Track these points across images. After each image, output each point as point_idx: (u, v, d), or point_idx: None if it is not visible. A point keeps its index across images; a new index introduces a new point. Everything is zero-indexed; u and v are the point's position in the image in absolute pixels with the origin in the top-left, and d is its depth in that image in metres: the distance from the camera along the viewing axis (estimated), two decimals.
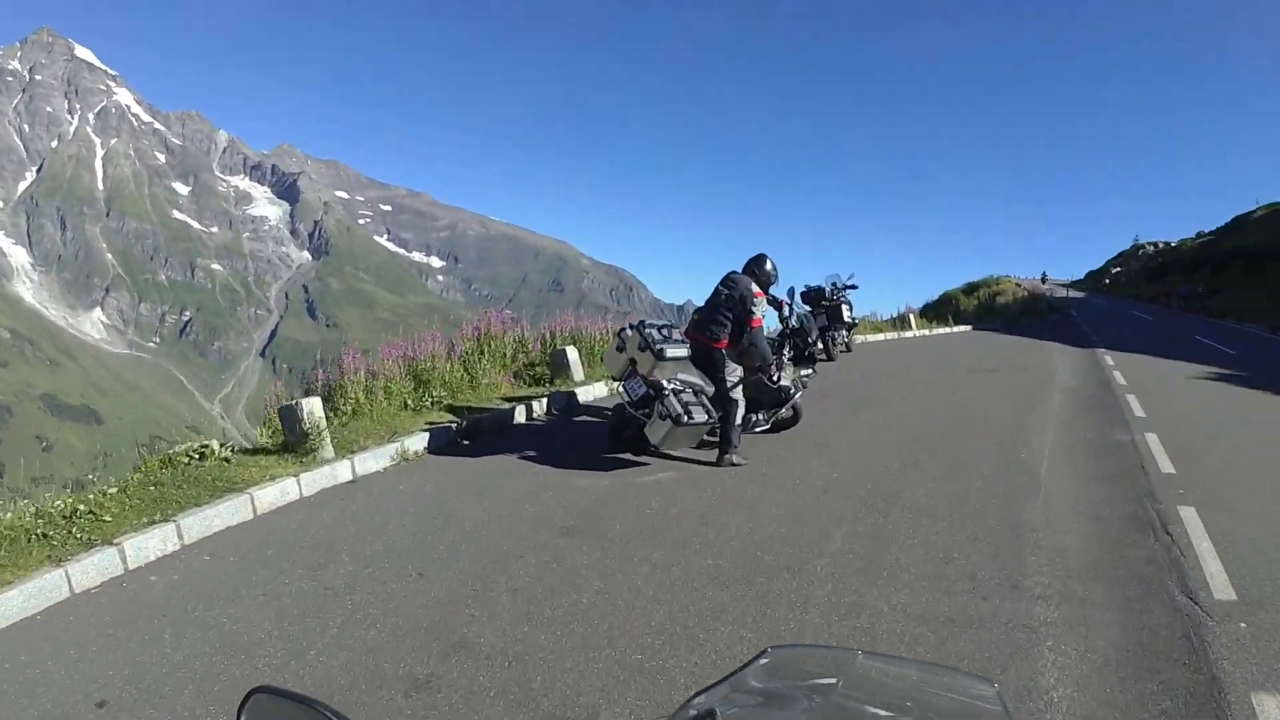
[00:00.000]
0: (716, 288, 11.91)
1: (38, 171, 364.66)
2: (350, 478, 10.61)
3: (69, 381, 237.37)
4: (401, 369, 14.31)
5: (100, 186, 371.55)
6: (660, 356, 11.14)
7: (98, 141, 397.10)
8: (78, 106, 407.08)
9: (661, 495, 9.98)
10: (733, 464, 11.35)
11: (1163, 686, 5.71)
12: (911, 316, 37.58)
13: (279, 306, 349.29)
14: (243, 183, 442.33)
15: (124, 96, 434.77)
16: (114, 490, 8.92)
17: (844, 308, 24.62)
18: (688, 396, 11.15)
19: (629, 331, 11.76)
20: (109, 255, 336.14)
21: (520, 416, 14.03)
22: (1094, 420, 15.52)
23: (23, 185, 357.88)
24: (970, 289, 58.00)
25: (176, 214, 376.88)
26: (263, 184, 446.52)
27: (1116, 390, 19.40)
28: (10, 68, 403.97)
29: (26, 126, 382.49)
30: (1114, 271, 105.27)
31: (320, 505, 9.61)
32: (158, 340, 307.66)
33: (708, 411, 11.13)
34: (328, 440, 10.84)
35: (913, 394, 18.30)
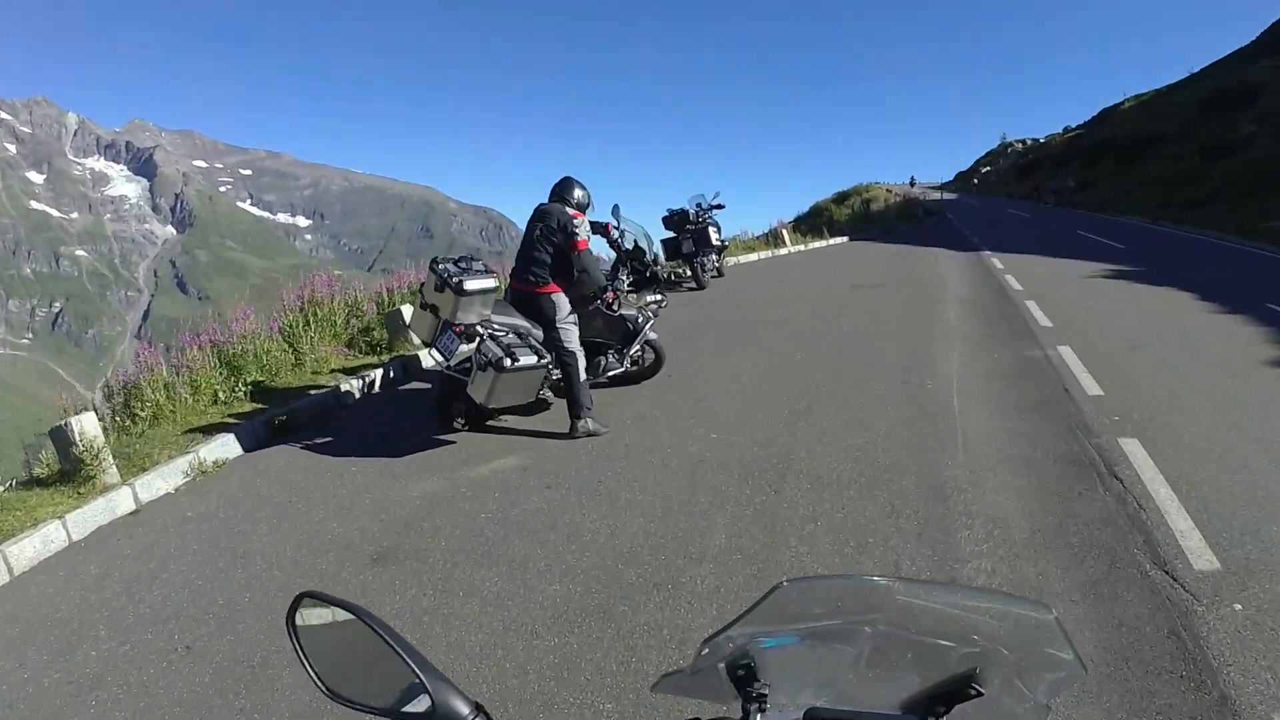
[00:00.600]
0: (527, 226, 10.31)
1: None
2: (132, 507, 8.71)
3: None
4: (209, 357, 12.39)
5: None
6: (460, 291, 9.37)
7: None
8: None
9: (500, 490, 8.16)
10: (588, 432, 9.74)
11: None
12: (784, 232, 35.71)
13: (149, 285, 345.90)
14: (98, 164, 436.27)
15: None
16: None
17: (711, 230, 22.69)
18: (509, 339, 9.48)
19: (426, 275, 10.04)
20: None
21: (349, 394, 12.18)
22: (999, 335, 14.14)
23: None
24: (841, 198, 56.96)
25: (34, 204, 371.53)
26: (118, 162, 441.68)
27: (1014, 297, 18.16)
28: None
29: None
30: (983, 171, 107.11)
31: (90, 552, 7.76)
32: (30, 336, 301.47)
33: (537, 353, 9.43)
34: (109, 462, 9.03)
35: (795, 321, 16.50)
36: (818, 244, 36.02)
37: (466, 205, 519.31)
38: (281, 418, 10.87)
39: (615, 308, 10.76)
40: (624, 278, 12.18)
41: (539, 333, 9.85)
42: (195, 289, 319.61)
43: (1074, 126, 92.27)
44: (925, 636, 1.80)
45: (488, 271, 9.77)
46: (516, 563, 6.47)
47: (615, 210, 14.94)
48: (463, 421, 10.18)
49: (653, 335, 11.51)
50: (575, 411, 9.83)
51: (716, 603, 5.59)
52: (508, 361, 9.03)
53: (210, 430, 10.34)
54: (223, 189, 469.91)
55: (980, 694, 1.77)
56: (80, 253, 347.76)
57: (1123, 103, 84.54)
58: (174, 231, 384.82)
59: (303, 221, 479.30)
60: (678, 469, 8.34)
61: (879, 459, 8.23)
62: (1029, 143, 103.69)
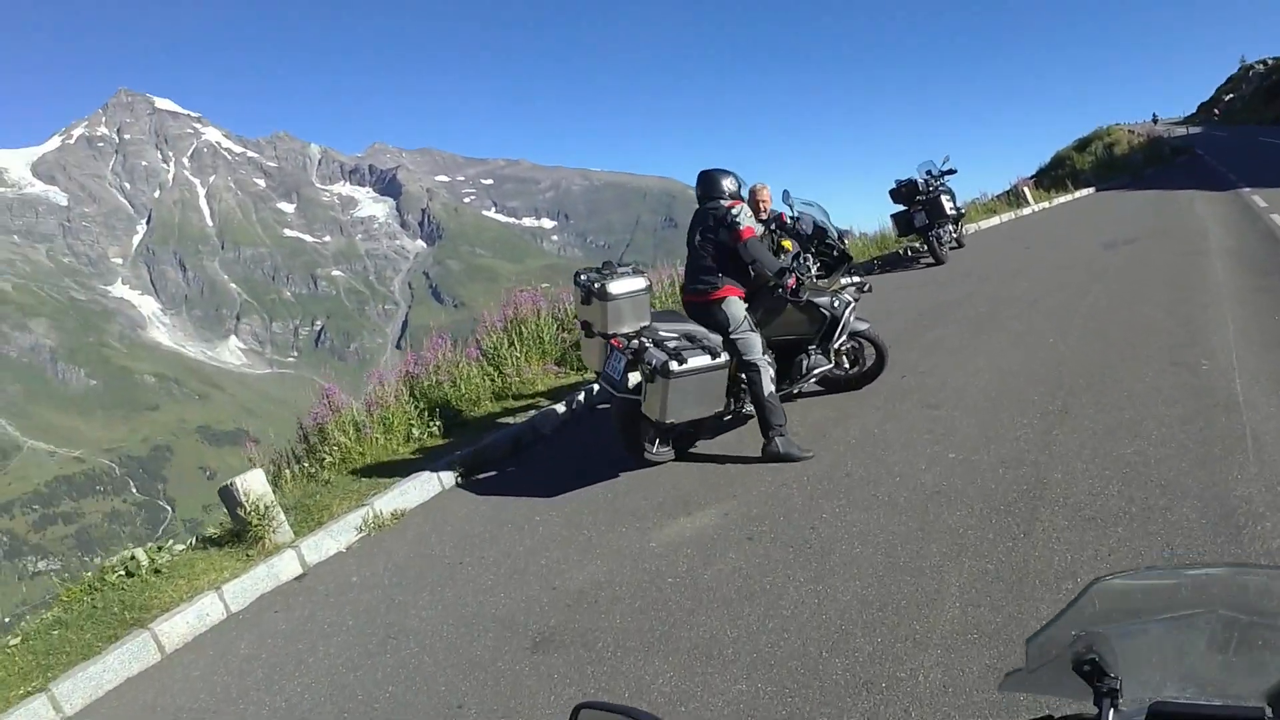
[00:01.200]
0: (688, 234, 9.39)
1: (147, 223, 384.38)
2: (298, 571, 8.11)
3: (220, 410, 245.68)
4: (403, 390, 11.83)
5: (210, 223, 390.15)
6: (605, 296, 8.54)
7: (197, 182, 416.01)
8: (171, 154, 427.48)
9: (693, 544, 7.03)
10: (781, 455, 8.49)
11: None
12: (1026, 189, 33.37)
13: (405, 298, 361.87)
14: (344, 189, 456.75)
15: (212, 134, 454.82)
16: (15, 642, 6.95)
17: (944, 199, 21.02)
18: (678, 343, 8.36)
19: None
20: (232, 285, 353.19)
21: (546, 422, 11.21)
22: (1276, 289, 12.36)
23: (136, 239, 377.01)
24: (1083, 145, 53.81)
25: (288, 232, 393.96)
26: (363, 185, 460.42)
27: None
28: (100, 134, 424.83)
29: (128, 184, 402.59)
30: (1226, 99, 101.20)
31: (245, 628, 7.17)
32: (296, 354, 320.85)
33: (710, 352, 8.30)
34: (280, 520, 8.49)
35: (1043, 294, 14.71)
36: (1062, 198, 33.78)
37: None
38: (470, 457, 10.02)
39: (801, 294, 9.37)
40: (810, 266, 10.92)
41: (717, 336, 8.71)
42: (450, 297, 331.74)
43: None
44: (1273, 624, 1.69)
45: (631, 273, 8.95)
46: (699, 649, 5.33)
47: (785, 196, 13.67)
48: (657, 450, 9.07)
49: (862, 325, 10.16)
50: (764, 430, 8.68)
51: (940, 710, 4.38)
52: (674, 365, 8.00)
53: (395, 474, 9.74)
54: (466, 200, 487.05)
55: None
56: (336, 273, 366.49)
57: None
58: (424, 245, 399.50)
59: (547, 223, 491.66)
60: (906, 507, 7.00)
61: (1152, 476, 6.73)
62: (1270, 62, 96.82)
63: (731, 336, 8.74)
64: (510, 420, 11.12)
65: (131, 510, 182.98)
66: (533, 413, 11.29)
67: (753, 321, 9.02)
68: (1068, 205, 32.39)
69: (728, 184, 9.21)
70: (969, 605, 5.27)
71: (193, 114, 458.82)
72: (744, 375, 8.84)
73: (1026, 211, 30.84)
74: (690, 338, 8.54)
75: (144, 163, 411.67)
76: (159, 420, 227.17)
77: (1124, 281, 14.85)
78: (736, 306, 8.88)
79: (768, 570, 6.32)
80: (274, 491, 8.83)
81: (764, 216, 12.68)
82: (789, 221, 13.19)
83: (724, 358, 8.41)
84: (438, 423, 11.13)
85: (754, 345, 8.81)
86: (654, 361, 8.09)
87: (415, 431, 10.95)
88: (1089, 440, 7.70)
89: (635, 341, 8.49)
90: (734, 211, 8.87)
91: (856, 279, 10.82)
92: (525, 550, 7.57)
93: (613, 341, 8.68)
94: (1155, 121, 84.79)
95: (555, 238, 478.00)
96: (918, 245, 21.90)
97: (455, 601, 6.80)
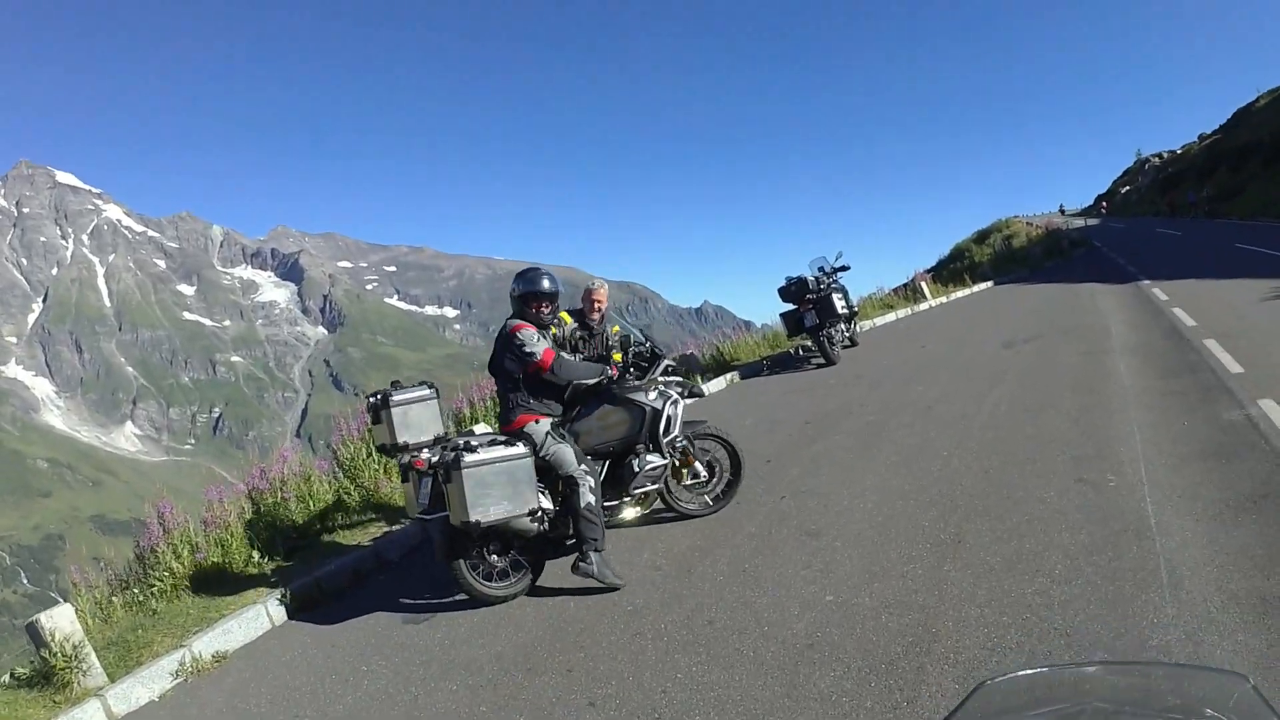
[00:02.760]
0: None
1: (44, 301, 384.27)
2: None
3: (115, 499, 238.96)
4: (246, 507, 10.95)
5: (108, 303, 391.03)
6: (387, 405, 8.98)
7: (95, 260, 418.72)
8: (70, 230, 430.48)
9: (527, 714, 6.06)
10: (592, 575, 7.93)
11: None
12: (924, 284, 32.91)
13: (305, 385, 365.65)
14: (245, 272, 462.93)
15: (113, 211, 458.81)
16: None
17: (835, 298, 20.08)
18: (474, 441, 7.87)
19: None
20: (129, 368, 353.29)
21: (396, 546, 10.42)
22: (1183, 393, 11.72)
23: (32, 317, 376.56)
24: (982, 237, 55.71)
25: (187, 315, 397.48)
26: (265, 269, 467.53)
27: (1189, 336, 15.60)
28: None
29: (24, 260, 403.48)
30: (1123, 191, 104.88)
31: None
32: (193, 441, 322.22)
33: (508, 444, 7.91)
34: (92, 663, 7.61)
35: (938, 401, 13.91)
36: (960, 293, 33.56)
37: (611, 281, 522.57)
38: (306, 588, 9.25)
39: (618, 390, 9.04)
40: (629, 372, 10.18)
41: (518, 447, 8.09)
42: (350, 385, 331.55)
43: (1209, 133, 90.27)
44: (1141, 713, 2.14)
45: (423, 384, 9.35)
46: None
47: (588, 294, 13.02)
48: (496, 584, 8.25)
49: (715, 429, 9.83)
50: (578, 545, 8.13)
51: None
52: (466, 456, 7.50)
53: (226, 604, 8.95)
54: (369, 286, 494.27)
55: None
56: (235, 359, 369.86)
57: (1257, 100, 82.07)
58: (325, 332, 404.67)
59: (450, 312, 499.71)
60: (773, 665, 6.03)
61: (1055, 622, 5.87)
62: (1165, 155, 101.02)
63: (543, 456, 8.26)
64: (358, 542, 10.46)
65: (23, 602, 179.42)
66: (382, 534, 10.65)
67: (567, 431, 8.63)
68: (966, 299, 32.18)
69: (520, 292, 8.80)
70: None
71: (94, 190, 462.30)
72: (563, 489, 8.34)
73: (924, 307, 30.42)
74: (494, 441, 8.00)
75: (42, 238, 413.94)
76: (51, 507, 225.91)
77: (1025, 385, 14.18)
78: (537, 428, 8.39)
79: None
80: (103, 622, 8.65)
81: (597, 316, 11.90)
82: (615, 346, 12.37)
83: (522, 448, 7.93)
84: (280, 543, 10.40)
85: (566, 458, 8.32)
86: (446, 458, 7.68)
87: (255, 555, 10.13)
88: (984, 577, 6.82)
89: (435, 455, 8.05)
90: (520, 338, 8.41)
91: (677, 379, 9.93)
92: (344, 711, 6.66)
93: (415, 464, 8.14)
94: (1062, 212, 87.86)
95: (458, 326, 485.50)
96: (809, 345, 21.09)
97: None
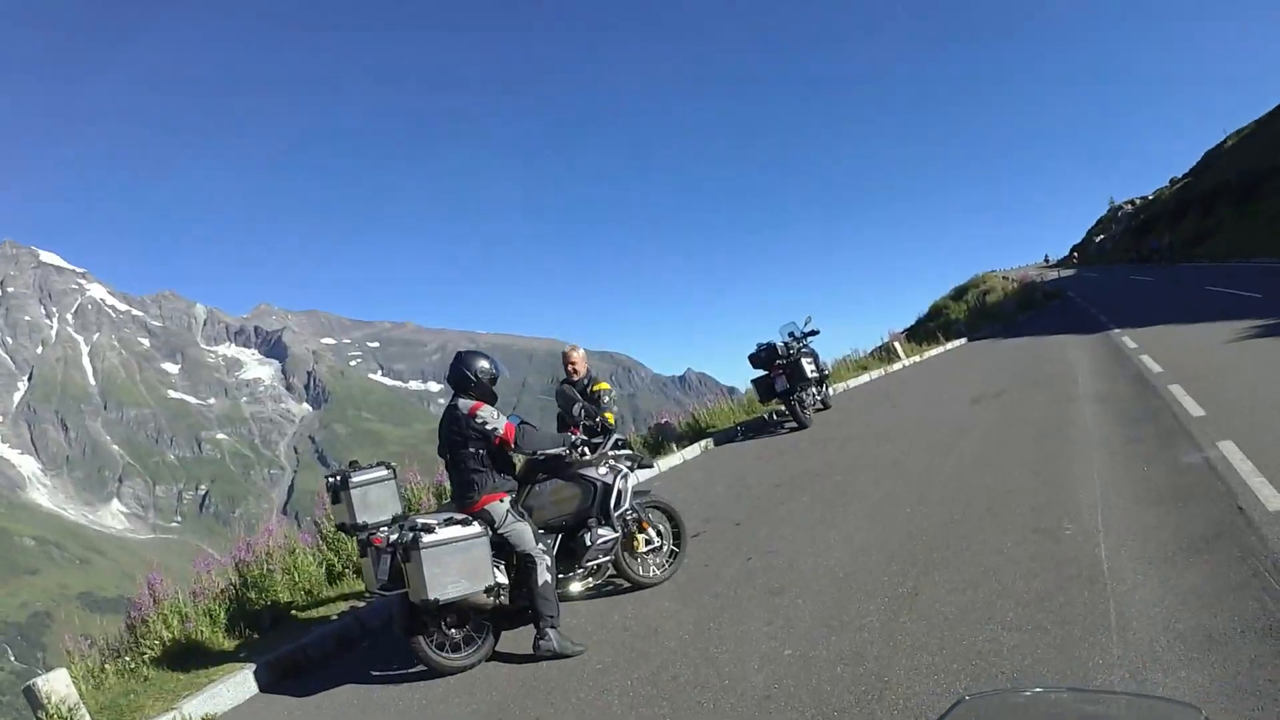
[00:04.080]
0: (439, 434, 9.11)
1: (29, 380, 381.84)
2: None
3: (102, 576, 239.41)
4: (234, 578, 11.31)
5: (93, 382, 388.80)
6: (346, 486, 9.20)
7: (80, 339, 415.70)
8: (54, 310, 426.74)
9: None
10: (554, 652, 8.12)
11: None
12: (897, 344, 32.96)
13: (290, 462, 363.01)
14: (229, 350, 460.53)
15: (96, 291, 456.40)
16: None
17: (805, 362, 20.20)
18: (432, 520, 8.08)
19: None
20: (115, 446, 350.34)
21: (378, 614, 10.56)
22: (1145, 438, 11.92)
23: (17, 396, 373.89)
24: (959, 293, 55.28)
25: (172, 393, 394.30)
26: (249, 347, 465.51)
27: (1155, 383, 15.77)
28: None
29: (9, 338, 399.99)
30: (1097, 240, 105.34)
31: None
32: (180, 519, 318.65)
33: (465, 523, 8.17)
34: None
35: (905, 457, 14.12)
36: (933, 351, 33.69)
37: (593, 352, 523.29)
38: (290, 656, 9.62)
39: (570, 465, 9.34)
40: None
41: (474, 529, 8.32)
42: (336, 461, 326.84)
43: (1179, 177, 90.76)
44: None
45: (380, 465, 9.62)
46: None
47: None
48: (452, 654, 8.42)
49: (665, 500, 10.32)
50: (536, 623, 8.33)
51: None
52: (425, 536, 7.76)
53: (215, 671, 9.30)
54: (353, 363, 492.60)
55: None
56: (221, 436, 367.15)
57: (1224, 141, 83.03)
58: (310, 408, 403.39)
59: (434, 386, 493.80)
60: (732, 715, 6.25)
61: (1004, 667, 6.05)
62: (1138, 202, 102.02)
63: (501, 533, 8.48)
64: (341, 611, 10.87)
65: (10, 679, 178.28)
66: (364, 604, 10.93)
67: (523, 508, 8.87)
68: (939, 357, 32.32)
69: (468, 373, 8.91)
70: None
71: (77, 269, 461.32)
72: (520, 566, 8.60)
73: (897, 367, 30.54)
74: (450, 520, 8.19)
75: (27, 317, 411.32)
76: (38, 585, 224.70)
77: (989, 439, 14.38)
78: (498, 508, 8.57)
79: None
80: (96, 688, 8.93)
81: (576, 378, 12.44)
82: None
83: (478, 527, 8.19)
84: (266, 613, 10.76)
85: (525, 537, 8.57)
86: (405, 538, 7.88)
87: (242, 624, 10.53)
88: (938, 627, 6.99)
89: (394, 534, 8.20)
90: (479, 417, 8.58)
91: (627, 452, 10.13)
92: None
93: (373, 541, 8.34)
94: (1047, 262, 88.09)
95: (441, 400, 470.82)
96: (783, 410, 21.21)
97: None
